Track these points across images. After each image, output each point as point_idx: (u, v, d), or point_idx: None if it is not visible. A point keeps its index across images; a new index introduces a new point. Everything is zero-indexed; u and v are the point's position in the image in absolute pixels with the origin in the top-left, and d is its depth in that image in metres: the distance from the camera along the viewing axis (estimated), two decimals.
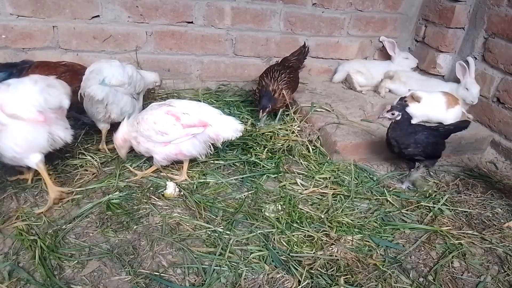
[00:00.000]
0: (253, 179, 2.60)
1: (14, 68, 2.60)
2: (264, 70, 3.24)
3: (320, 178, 2.66)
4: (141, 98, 2.85)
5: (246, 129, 3.02)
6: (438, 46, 3.82)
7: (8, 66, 2.61)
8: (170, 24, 3.48)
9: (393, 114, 2.45)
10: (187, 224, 2.17)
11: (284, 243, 2.10)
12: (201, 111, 2.40)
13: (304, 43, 3.50)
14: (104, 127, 2.67)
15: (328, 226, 2.24)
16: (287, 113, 3.31)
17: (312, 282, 1.90)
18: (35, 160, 2.09)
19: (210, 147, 2.48)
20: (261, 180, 2.59)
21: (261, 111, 2.96)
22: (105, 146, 2.70)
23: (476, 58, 3.51)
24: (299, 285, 1.87)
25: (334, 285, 1.89)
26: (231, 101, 3.49)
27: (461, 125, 2.66)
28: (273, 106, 3.01)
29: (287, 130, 3.10)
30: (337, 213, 2.36)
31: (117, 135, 2.43)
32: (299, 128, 3.13)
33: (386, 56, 4.05)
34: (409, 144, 2.50)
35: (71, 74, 2.67)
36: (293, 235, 2.15)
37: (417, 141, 2.49)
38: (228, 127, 2.41)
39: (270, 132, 3.07)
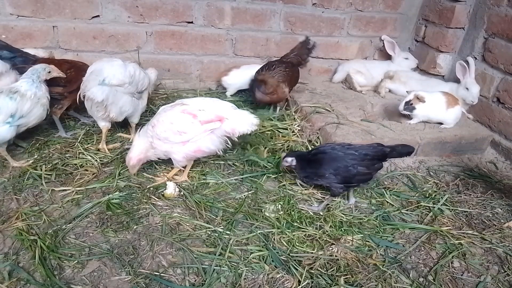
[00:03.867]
0: (253, 179, 2.60)
1: (22, 53, 2.65)
2: (261, 66, 3.25)
3: None
4: (145, 97, 2.83)
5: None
6: (438, 46, 3.82)
7: (16, 51, 2.65)
8: (170, 24, 3.48)
9: (286, 161, 2.40)
10: (187, 224, 2.17)
11: (284, 243, 2.10)
12: (216, 105, 2.39)
13: (306, 38, 3.47)
14: (104, 125, 2.66)
15: (327, 225, 2.24)
16: (288, 111, 3.31)
17: (312, 282, 1.90)
18: None
19: (226, 141, 2.46)
20: (261, 180, 2.59)
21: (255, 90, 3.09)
22: (105, 146, 2.70)
23: (476, 58, 3.51)
24: (299, 285, 1.87)
25: (334, 285, 1.89)
26: (232, 101, 3.48)
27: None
28: (264, 92, 3.07)
29: (287, 130, 3.10)
30: (337, 212, 2.36)
31: (132, 154, 2.35)
32: (299, 128, 3.13)
33: (386, 56, 4.05)
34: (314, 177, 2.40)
35: (76, 70, 2.72)
36: (293, 235, 2.15)
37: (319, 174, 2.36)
38: (244, 121, 2.40)
39: (269, 131, 3.07)
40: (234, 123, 2.37)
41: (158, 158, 2.46)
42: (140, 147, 2.36)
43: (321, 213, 2.34)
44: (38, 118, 2.48)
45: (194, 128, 2.29)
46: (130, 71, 2.52)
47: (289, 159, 2.40)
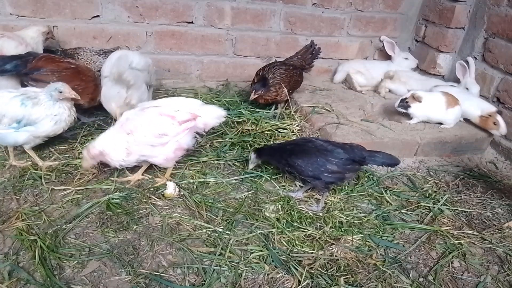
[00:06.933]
0: (253, 179, 2.60)
1: (18, 60, 2.61)
2: (263, 66, 3.28)
3: None
4: (151, 91, 2.99)
5: (248, 129, 3.04)
6: (438, 46, 3.82)
7: (13, 58, 2.61)
8: (170, 24, 3.48)
9: (251, 158, 2.49)
10: (187, 224, 2.17)
11: (284, 243, 2.10)
12: (187, 104, 2.43)
13: (312, 42, 3.50)
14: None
15: (327, 225, 2.24)
16: (288, 111, 3.31)
17: (312, 282, 1.90)
18: None
19: (196, 136, 2.50)
20: (261, 180, 2.59)
21: (252, 92, 3.10)
22: None
23: (476, 58, 3.51)
24: (299, 285, 1.87)
25: (334, 285, 1.89)
26: (231, 101, 3.48)
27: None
28: (265, 94, 3.12)
29: (287, 130, 3.10)
30: (336, 212, 2.36)
31: (97, 144, 2.24)
32: (299, 128, 3.13)
33: (386, 56, 4.05)
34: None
35: (73, 71, 2.71)
36: (293, 235, 2.15)
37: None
38: (213, 115, 2.46)
39: (269, 131, 3.07)
40: (205, 119, 2.42)
41: (122, 165, 2.34)
42: (111, 142, 2.26)
43: (321, 214, 2.34)
44: (49, 132, 2.41)
45: (174, 129, 2.30)
46: (147, 60, 2.85)
47: (253, 155, 2.49)
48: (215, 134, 2.97)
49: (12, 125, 2.31)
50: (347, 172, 2.35)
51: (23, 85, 2.69)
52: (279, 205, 2.37)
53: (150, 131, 2.27)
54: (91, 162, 2.28)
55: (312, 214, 2.33)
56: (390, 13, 3.99)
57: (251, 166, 2.55)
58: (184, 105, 2.39)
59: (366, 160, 2.35)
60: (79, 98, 2.47)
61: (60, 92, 2.35)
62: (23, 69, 2.60)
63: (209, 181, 2.52)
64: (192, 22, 3.53)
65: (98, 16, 3.30)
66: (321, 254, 2.05)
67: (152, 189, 2.41)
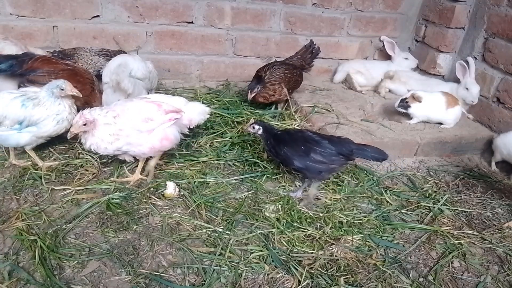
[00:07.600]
0: (253, 179, 2.59)
1: (14, 60, 2.57)
2: (263, 65, 3.29)
3: None
4: (153, 93, 2.98)
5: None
6: (438, 46, 3.82)
7: (9, 58, 2.58)
8: (170, 24, 3.48)
9: (253, 128, 2.46)
10: (187, 224, 2.17)
11: (284, 243, 2.10)
12: (171, 101, 2.45)
13: (311, 42, 3.51)
14: None
15: (327, 225, 2.24)
16: (287, 111, 3.32)
17: (312, 282, 1.90)
18: None
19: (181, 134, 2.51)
20: (261, 180, 2.59)
21: (249, 91, 3.12)
22: None
23: (476, 58, 3.51)
24: (299, 285, 1.87)
25: (334, 285, 1.89)
26: (231, 101, 3.48)
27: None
28: (262, 91, 3.12)
29: None
30: (336, 212, 2.36)
31: (93, 111, 2.22)
32: (299, 128, 3.13)
33: (386, 56, 4.05)
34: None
35: (70, 73, 2.66)
36: (293, 235, 2.15)
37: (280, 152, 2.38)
38: (198, 112, 2.52)
39: None
40: (190, 115, 2.47)
41: (103, 151, 2.29)
42: (97, 114, 2.22)
43: (321, 214, 2.34)
44: (51, 132, 2.39)
45: (159, 116, 2.30)
46: (149, 66, 2.85)
47: (256, 126, 2.45)
48: (215, 134, 2.97)
49: (14, 127, 2.31)
50: (332, 163, 2.34)
51: (20, 87, 2.66)
52: (279, 205, 2.37)
53: (136, 116, 2.27)
54: (81, 129, 2.20)
55: (312, 214, 2.33)
56: (390, 13, 3.99)
57: (250, 130, 2.49)
58: (168, 100, 2.44)
59: (354, 153, 2.36)
60: (81, 96, 2.46)
61: (62, 89, 2.34)
62: (19, 70, 2.56)
63: (209, 181, 2.52)
64: (192, 22, 3.53)
65: (98, 16, 3.30)
66: (321, 254, 2.05)
67: (152, 189, 2.41)
